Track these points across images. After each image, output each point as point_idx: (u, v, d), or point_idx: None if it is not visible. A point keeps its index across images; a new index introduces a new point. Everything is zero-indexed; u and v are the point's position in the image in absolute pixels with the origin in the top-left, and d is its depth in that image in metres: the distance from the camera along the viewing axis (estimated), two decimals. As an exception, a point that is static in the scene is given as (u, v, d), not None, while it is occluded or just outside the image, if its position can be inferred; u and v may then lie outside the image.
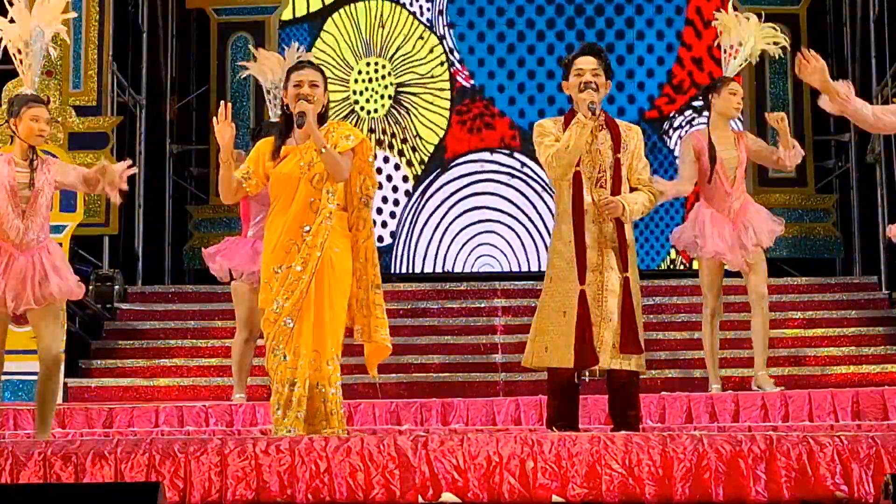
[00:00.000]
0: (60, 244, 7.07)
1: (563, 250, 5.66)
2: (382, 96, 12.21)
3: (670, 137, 12.10)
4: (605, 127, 5.77)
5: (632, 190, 5.78)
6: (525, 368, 5.87)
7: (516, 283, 10.72)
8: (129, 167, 6.10)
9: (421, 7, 12.30)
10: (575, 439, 4.77)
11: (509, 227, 12.07)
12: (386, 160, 12.11)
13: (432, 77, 12.21)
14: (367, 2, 12.34)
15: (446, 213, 12.08)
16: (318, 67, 5.82)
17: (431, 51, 12.24)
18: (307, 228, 5.60)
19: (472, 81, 12.19)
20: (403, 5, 12.31)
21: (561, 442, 4.74)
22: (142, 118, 11.66)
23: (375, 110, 12.18)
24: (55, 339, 6.12)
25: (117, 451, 4.79)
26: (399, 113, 12.20)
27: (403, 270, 12.01)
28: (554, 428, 5.55)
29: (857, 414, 7.12)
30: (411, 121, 12.17)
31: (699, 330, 8.24)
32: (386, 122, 12.21)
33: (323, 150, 5.55)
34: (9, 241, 6.02)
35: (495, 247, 12.05)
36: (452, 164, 12.11)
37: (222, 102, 5.69)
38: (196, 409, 7.43)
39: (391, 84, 12.22)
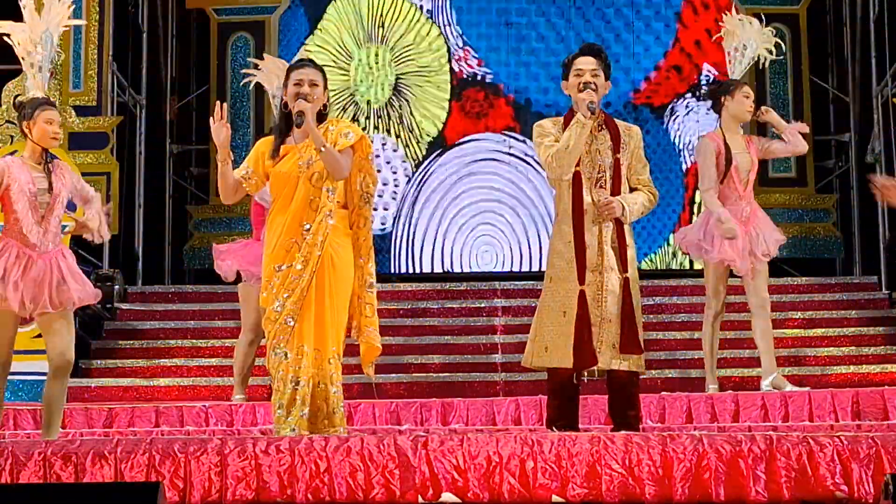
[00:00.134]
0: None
1: (562, 250, 5.67)
2: (383, 84, 12.20)
3: (667, 124, 12.07)
4: (604, 127, 5.78)
5: (631, 190, 5.79)
6: (525, 368, 5.87)
7: (516, 283, 10.72)
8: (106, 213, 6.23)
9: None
10: (575, 439, 4.77)
11: (510, 206, 12.05)
12: (384, 144, 12.09)
13: (431, 68, 12.18)
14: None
15: (446, 192, 12.06)
16: (319, 67, 5.81)
17: (429, 43, 12.21)
18: (307, 227, 5.60)
19: (480, 67, 12.15)
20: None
21: (561, 442, 4.74)
22: (142, 118, 11.67)
23: (376, 100, 12.17)
24: (69, 344, 6.10)
25: (117, 451, 4.78)
26: (398, 103, 12.17)
27: (403, 255, 11.97)
28: (554, 428, 5.55)
29: (857, 414, 7.12)
30: (411, 111, 12.14)
31: (699, 330, 8.23)
32: (385, 111, 12.18)
33: (322, 149, 5.55)
34: (29, 245, 6.00)
35: (496, 226, 12.02)
36: (452, 146, 12.09)
37: (218, 103, 5.69)
38: (196, 409, 7.43)
39: (391, 73, 12.20)
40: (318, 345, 5.55)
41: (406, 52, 12.22)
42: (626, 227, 5.72)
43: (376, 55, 12.21)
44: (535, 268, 11.65)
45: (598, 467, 4.70)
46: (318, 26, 12.24)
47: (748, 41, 8.17)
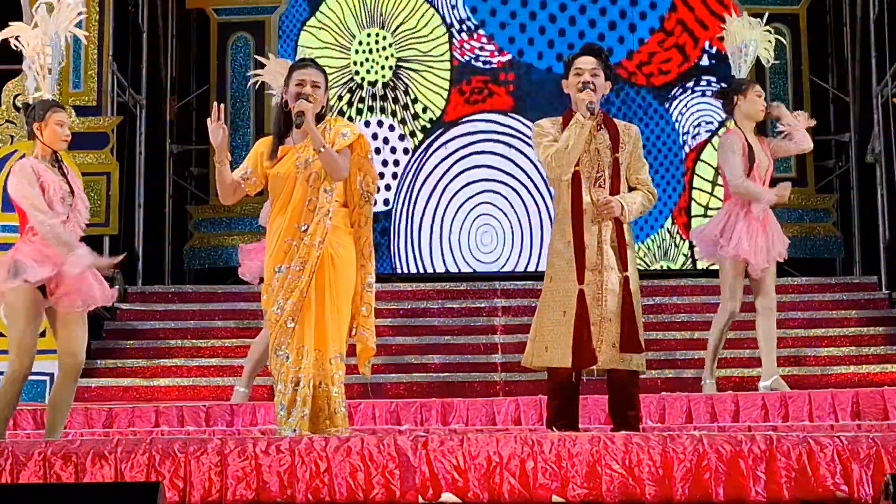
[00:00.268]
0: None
1: (562, 250, 5.67)
2: (383, 67, 12.19)
3: (672, 104, 12.05)
4: (603, 126, 5.78)
5: (630, 189, 5.79)
6: (525, 368, 5.87)
7: (516, 283, 10.72)
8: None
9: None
10: (575, 439, 4.77)
11: (510, 186, 12.03)
12: (380, 124, 12.08)
13: (432, 55, 12.17)
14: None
15: (447, 170, 12.05)
16: (321, 68, 5.81)
17: (431, 29, 12.20)
18: (304, 227, 5.60)
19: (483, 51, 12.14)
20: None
21: (561, 442, 4.74)
22: (142, 118, 11.66)
23: (375, 82, 12.16)
24: (83, 346, 6.07)
25: (117, 451, 4.79)
26: (398, 87, 12.16)
27: (403, 236, 11.95)
28: (554, 428, 5.55)
29: (857, 414, 7.12)
30: (410, 94, 12.13)
31: (699, 330, 8.24)
32: (385, 92, 12.16)
33: (321, 150, 5.55)
34: (66, 247, 5.96)
35: (496, 206, 12.01)
36: (453, 125, 12.07)
37: (215, 104, 5.69)
38: (196, 409, 7.43)
39: (392, 56, 12.19)
40: (319, 345, 5.55)
41: (407, 36, 12.20)
42: (626, 227, 5.72)
43: (377, 37, 12.21)
44: (536, 268, 11.65)
45: (599, 467, 4.70)
46: (320, 8, 12.24)
47: (750, 41, 8.18)
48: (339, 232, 5.66)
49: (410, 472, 4.72)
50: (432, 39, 12.22)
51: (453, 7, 12.18)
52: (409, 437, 4.79)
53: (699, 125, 11.99)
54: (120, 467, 4.76)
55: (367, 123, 12.00)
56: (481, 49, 12.14)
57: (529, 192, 11.89)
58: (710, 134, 11.93)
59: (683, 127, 12.00)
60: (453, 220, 11.99)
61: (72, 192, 6.09)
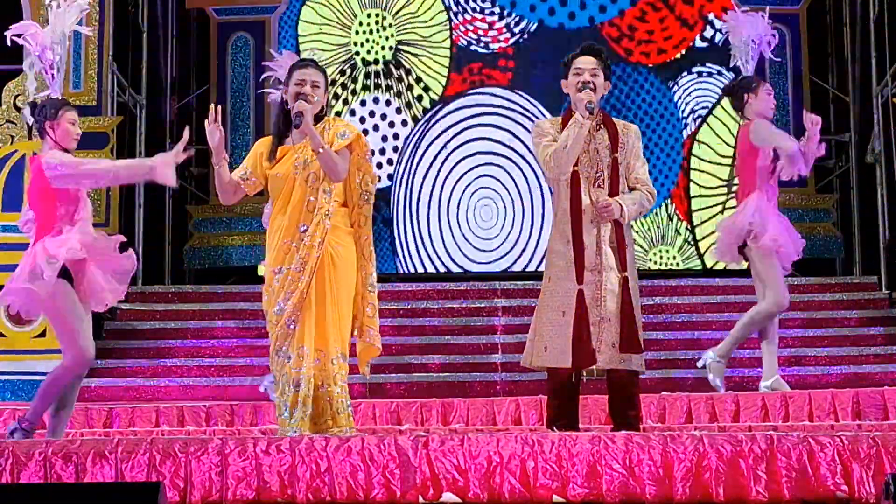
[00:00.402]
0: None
1: (561, 250, 5.67)
2: (383, 47, 12.18)
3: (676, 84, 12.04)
4: (602, 126, 5.78)
5: (630, 189, 5.79)
6: (525, 368, 5.87)
7: (516, 283, 10.72)
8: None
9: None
10: (575, 439, 4.77)
11: (510, 159, 12.01)
12: (376, 101, 12.07)
13: (432, 40, 12.16)
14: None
15: (445, 144, 12.04)
16: (322, 68, 5.82)
17: (431, 13, 12.19)
18: (304, 228, 5.60)
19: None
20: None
21: (561, 442, 4.74)
22: (142, 118, 11.66)
23: (375, 61, 12.16)
24: (93, 343, 6.08)
25: (118, 451, 4.79)
26: (398, 66, 12.15)
27: (403, 210, 11.96)
28: (554, 428, 5.55)
29: (857, 414, 7.12)
30: (412, 75, 12.13)
31: (699, 330, 8.24)
32: (386, 70, 12.16)
33: (320, 151, 5.55)
34: (140, 164, 5.94)
35: (495, 178, 12.00)
36: (455, 97, 12.07)
37: (213, 105, 5.69)
38: (196, 409, 7.43)
39: (392, 36, 12.18)
40: (319, 346, 5.55)
41: (407, 19, 12.19)
42: (625, 227, 5.72)
43: (377, 18, 12.20)
44: (535, 268, 11.65)
45: (599, 467, 4.70)
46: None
47: (754, 36, 8.19)
48: (338, 232, 5.66)
49: (411, 471, 4.72)
50: (433, 25, 12.22)
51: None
52: (410, 436, 4.79)
53: (697, 106, 11.98)
54: (120, 467, 4.76)
55: (364, 102, 12.01)
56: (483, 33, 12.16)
57: (530, 164, 11.88)
58: (707, 112, 11.90)
59: (683, 112, 11.98)
60: (452, 191, 12.00)
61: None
